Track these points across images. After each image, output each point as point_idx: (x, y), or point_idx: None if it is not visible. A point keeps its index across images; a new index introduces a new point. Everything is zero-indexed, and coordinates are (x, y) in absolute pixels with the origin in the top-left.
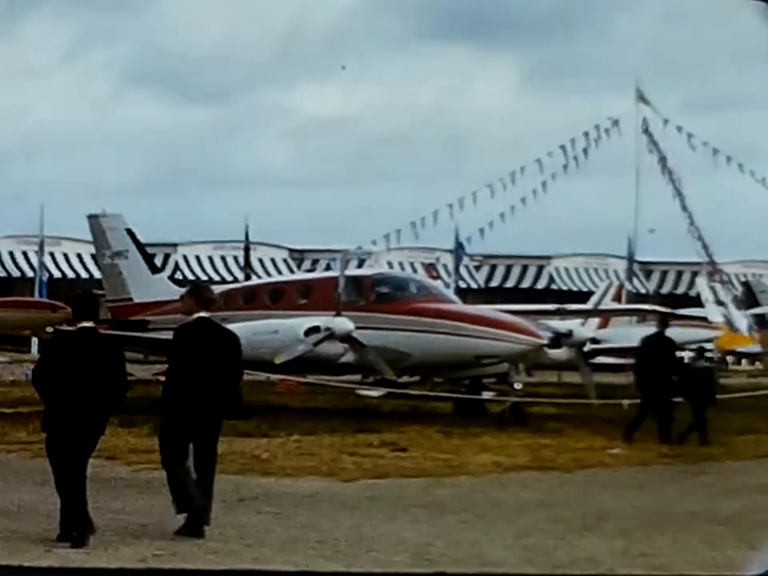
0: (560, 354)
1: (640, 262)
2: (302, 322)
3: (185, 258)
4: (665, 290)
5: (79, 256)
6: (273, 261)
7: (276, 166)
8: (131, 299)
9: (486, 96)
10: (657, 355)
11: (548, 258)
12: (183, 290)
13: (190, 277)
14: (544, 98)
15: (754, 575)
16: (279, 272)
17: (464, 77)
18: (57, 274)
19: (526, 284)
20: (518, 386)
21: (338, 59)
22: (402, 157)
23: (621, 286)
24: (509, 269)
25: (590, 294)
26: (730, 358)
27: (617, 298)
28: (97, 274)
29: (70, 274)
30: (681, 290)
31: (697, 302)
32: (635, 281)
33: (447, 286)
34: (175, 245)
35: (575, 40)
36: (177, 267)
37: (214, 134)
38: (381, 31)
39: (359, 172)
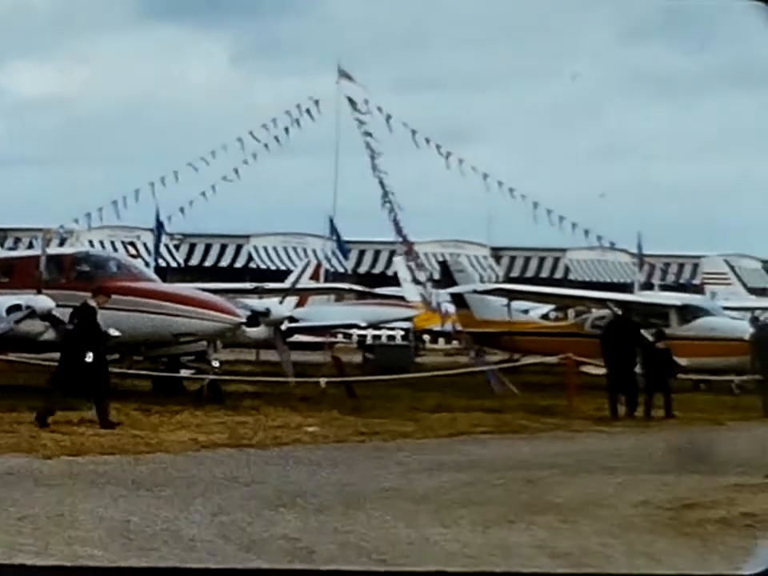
0: (258, 332)
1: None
2: (3, 301)
3: None
4: (363, 269)
5: None
6: None
7: None
8: None
9: (198, 74)
10: (621, 336)
11: (247, 236)
12: None
13: None
14: (254, 77)
15: (753, 573)
16: None
17: (177, 55)
18: None
19: (225, 262)
20: (215, 363)
21: (54, 38)
22: (109, 136)
23: (318, 265)
24: (208, 247)
25: (289, 272)
26: (426, 337)
27: (315, 277)
28: None
29: None
30: (378, 269)
31: (395, 280)
32: (333, 260)
33: (147, 264)
34: None
35: (287, 19)
36: None
37: None
38: (96, 10)
39: (66, 151)
